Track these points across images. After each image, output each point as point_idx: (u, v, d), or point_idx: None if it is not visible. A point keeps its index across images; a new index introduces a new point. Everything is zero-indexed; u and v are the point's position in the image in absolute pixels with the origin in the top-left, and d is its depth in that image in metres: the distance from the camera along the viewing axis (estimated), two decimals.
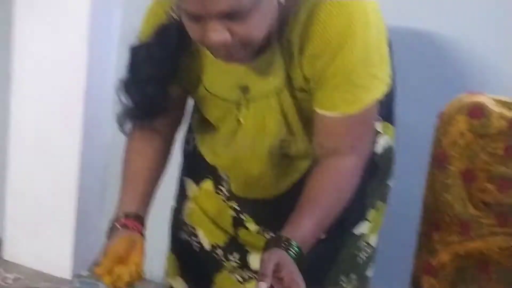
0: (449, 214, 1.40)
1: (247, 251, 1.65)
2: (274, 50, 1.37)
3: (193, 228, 1.71)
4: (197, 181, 1.69)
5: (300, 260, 1.32)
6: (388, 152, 1.65)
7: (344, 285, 1.63)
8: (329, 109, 1.40)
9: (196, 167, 1.69)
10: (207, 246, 1.69)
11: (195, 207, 1.70)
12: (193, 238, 1.71)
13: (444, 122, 1.40)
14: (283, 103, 1.45)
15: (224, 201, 1.65)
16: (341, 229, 1.49)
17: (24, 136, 2.52)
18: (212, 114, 1.54)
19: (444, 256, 1.41)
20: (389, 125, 1.64)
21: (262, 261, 1.30)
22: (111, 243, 1.46)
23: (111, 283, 1.42)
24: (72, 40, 2.33)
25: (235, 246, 1.65)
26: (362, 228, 1.63)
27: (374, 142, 1.55)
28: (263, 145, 1.49)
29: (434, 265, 1.41)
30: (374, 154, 1.60)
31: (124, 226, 1.48)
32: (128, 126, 1.54)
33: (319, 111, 1.42)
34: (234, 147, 1.51)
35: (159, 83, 1.45)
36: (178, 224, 1.74)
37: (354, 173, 1.44)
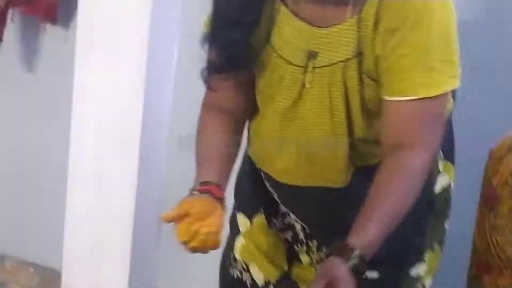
0: (500, 256, 1.35)
1: None
2: (349, 22, 1.36)
3: (246, 264, 1.69)
4: (250, 216, 1.68)
5: (359, 270, 1.30)
6: (447, 192, 1.60)
7: None
8: (404, 93, 1.35)
9: (248, 201, 1.68)
10: (260, 282, 1.67)
11: (248, 243, 1.69)
12: (245, 274, 1.69)
13: (494, 160, 1.36)
14: (347, 78, 1.40)
15: (277, 234, 1.63)
16: (398, 268, 1.45)
17: (83, 170, 2.57)
18: (269, 81, 1.49)
19: None
20: (450, 164, 1.59)
21: (317, 274, 1.29)
22: (186, 200, 1.38)
23: (187, 238, 1.35)
24: (130, 76, 2.38)
25: (287, 282, 1.63)
26: (419, 269, 1.58)
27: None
28: (328, 112, 1.43)
29: None
30: (432, 192, 1.55)
31: (203, 191, 1.41)
32: (211, 79, 1.50)
33: (390, 97, 1.37)
34: (295, 115, 1.46)
35: (242, 28, 1.43)
36: (229, 261, 1.73)
37: (422, 171, 1.38)
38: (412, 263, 1.58)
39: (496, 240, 1.35)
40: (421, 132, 1.37)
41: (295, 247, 1.62)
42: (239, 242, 1.71)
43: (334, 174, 1.49)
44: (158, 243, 2.62)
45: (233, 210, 1.73)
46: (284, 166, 1.52)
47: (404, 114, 1.36)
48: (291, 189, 1.54)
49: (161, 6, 2.24)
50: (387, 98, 1.37)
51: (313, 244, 1.63)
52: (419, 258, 1.58)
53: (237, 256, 1.70)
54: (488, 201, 1.35)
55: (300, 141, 1.48)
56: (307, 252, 1.62)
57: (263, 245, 1.66)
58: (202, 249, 1.37)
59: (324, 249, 1.59)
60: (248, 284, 1.69)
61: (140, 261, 2.62)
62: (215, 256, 1.86)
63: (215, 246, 1.38)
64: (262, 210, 1.65)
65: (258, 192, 1.64)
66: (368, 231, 1.33)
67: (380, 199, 1.35)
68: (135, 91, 2.43)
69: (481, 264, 1.37)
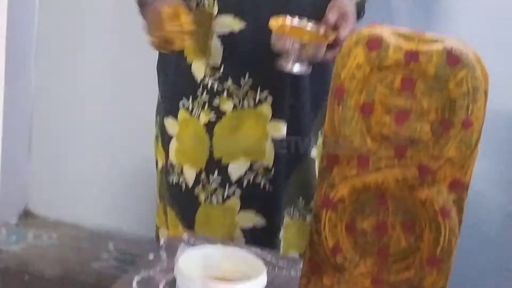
0: (348, 148, 1.39)
1: (225, 165, 1.69)
2: None
3: (181, 166, 1.70)
4: (175, 115, 1.69)
5: (360, 10, 1.74)
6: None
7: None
8: None
9: (173, 97, 1.70)
10: (190, 181, 1.69)
11: (179, 143, 1.71)
12: (181, 177, 1.70)
13: (343, 54, 1.38)
14: None
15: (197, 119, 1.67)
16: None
17: None
18: None
19: (342, 190, 1.40)
20: None
21: (329, 8, 1.66)
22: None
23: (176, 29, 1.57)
24: None
25: (214, 163, 1.70)
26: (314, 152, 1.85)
27: None
28: None
29: (333, 199, 1.41)
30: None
31: None
32: None
33: None
34: None
35: None
36: (167, 170, 1.72)
37: None
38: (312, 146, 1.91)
39: (345, 133, 1.39)
40: None
41: (216, 99, 1.68)
42: (173, 146, 1.71)
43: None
44: (29, 157, 2.56)
45: (161, 117, 1.73)
46: None
47: None
48: None
49: None
50: None
51: (229, 83, 1.70)
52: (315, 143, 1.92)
53: (173, 160, 1.70)
54: (337, 94, 1.38)
55: None
56: (229, 95, 1.68)
57: (188, 137, 1.67)
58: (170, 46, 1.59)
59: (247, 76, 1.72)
60: (183, 187, 1.70)
61: (11, 176, 2.56)
62: (85, 177, 1.84)
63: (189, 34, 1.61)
64: (184, 101, 1.68)
65: (181, 82, 1.69)
66: None
67: None
68: None
69: (331, 156, 1.40)
